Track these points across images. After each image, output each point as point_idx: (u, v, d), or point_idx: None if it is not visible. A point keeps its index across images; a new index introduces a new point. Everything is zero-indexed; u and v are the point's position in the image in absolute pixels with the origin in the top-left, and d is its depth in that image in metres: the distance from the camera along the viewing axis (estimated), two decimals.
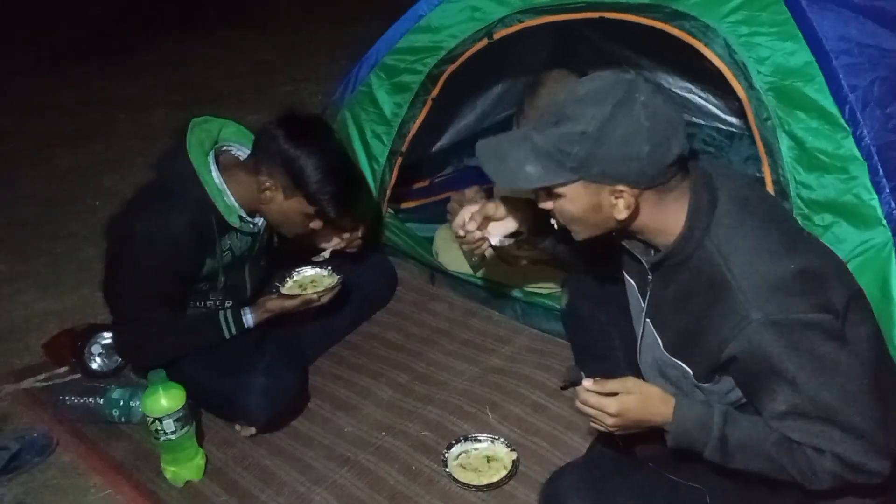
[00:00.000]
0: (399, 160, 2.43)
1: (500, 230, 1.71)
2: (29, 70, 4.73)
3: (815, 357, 1.17)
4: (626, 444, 1.56)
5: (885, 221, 1.50)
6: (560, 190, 1.26)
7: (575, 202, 1.26)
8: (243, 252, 1.91)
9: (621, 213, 1.24)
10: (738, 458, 1.25)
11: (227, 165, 1.81)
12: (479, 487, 1.69)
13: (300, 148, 1.75)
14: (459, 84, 2.42)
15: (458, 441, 1.80)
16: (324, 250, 2.08)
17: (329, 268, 1.98)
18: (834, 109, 1.57)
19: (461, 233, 1.71)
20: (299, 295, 1.88)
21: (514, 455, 1.75)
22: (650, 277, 1.37)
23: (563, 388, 1.29)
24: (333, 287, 1.90)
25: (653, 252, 1.35)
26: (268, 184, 1.77)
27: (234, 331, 1.87)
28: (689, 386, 1.34)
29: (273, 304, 1.88)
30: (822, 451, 1.19)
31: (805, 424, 1.20)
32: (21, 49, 5.03)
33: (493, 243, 1.73)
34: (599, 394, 1.26)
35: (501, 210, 1.70)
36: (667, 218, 1.26)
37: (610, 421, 1.26)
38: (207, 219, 1.77)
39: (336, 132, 1.86)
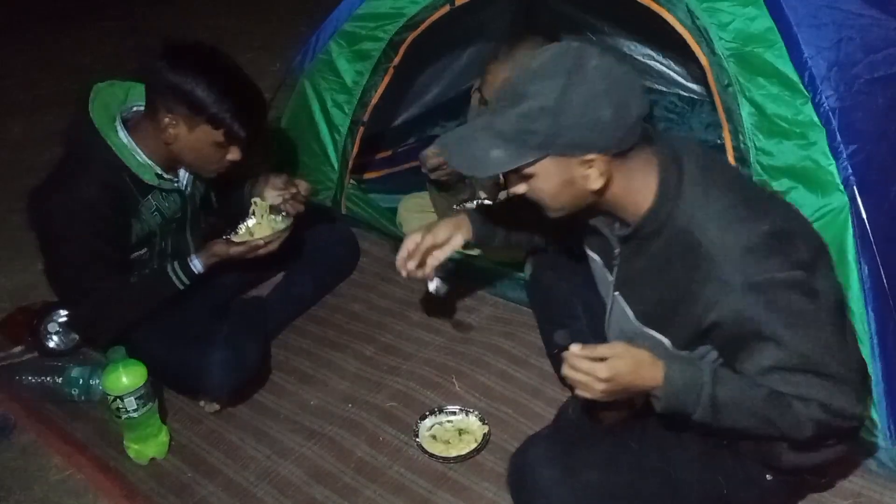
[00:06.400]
0: (361, 130, 2.39)
1: (448, 251, 1.62)
2: None
3: (794, 313, 1.20)
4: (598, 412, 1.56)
5: (841, 187, 1.52)
6: (530, 170, 1.24)
7: (547, 180, 1.24)
8: (175, 213, 1.86)
9: (595, 183, 1.22)
10: (727, 416, 1.25)
11: (135, 123, 1.75)
12: (447, 459, 1.70)
13: (188, 73, 1.66)
14: (422, 53, 2.39)
15: (431, 412, 1.80)
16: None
17: (283, 213, 1.92)
18: (794, 75, 1.57)
19: (403, 273, 1.61)
20: (245, 242, 1.83)
21: (485, 429, 1.76)
22: (617, 251, 1.37)
23: (555, 353, 1.25)
24: (281, 232, 1.85)
25: (618, 225, 1.34)
26: (167, 120, 1.68)
27: (184, 279, 1.82)
28: (661, 356, 1.32)
29: (219, 248, 1.83)
30: (806, 400, 1.22)
31: (790, 376, 1.22)
32: None
33: (430, 290, 1.65)
34: (589, 359, 1.22)
35: (443, 232, 1.61)
36: (637, 188, 1.26)
37: (600, 387, 1.21)
38: (121, 180, 1.72)
39: (223, 53, 1.75)
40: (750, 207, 1.25)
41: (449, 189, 2.23)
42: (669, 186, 1.24)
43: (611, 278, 1.42)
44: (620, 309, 1.41)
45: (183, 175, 1.86)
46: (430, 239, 1.60)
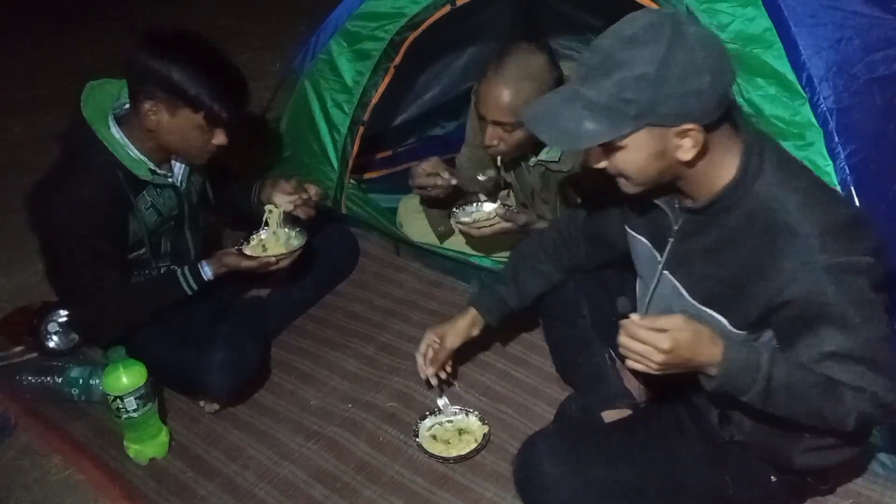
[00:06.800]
0: (361, 129, 2.39)
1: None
2: None
3: (865, 300, 1.19)
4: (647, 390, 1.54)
5: (839, 188, 1.52)
6: (622, 142, 1.18)
7: (638, 152, 1.19)
8: (171, 210, 1.86)
9: (688, 154, 1.18)
10: (778, 401, 1.21)
11: (127, 120, 1.75)
12: (447, 459, 1.70)
13: (164, 57, 1.65)
14: (423, 53, 2.39)
15: (431, 412, 1.80)
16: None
17: (298, 228, 1.91)
18: (792, 76, 1.57)
19: (422, 375, 1.75)
20: (258, 257, 1.82)
21: (486, 429, 1.76)
22: (675, 228, 1.34)
23: (612, 321, 1.21)
24: (293, 251, 1.84)
25: (677, 202, 1.32)
26: (148, 106, 1.67)
27: (193, 285, 1.81)
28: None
29: (230, 259, 1.82)
30: (859, 391, 1.19)
31: (849, 365, 1.19)
32: None
33: (440, 406, 1.82)
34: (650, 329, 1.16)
35: (457, 339, 1.73)
36: (720, 161, 1.22)
37: (659, 358, 1.15)
38: (116, 176, 1.72)
39: (201, 36, 1.74)
40: (826, 192, 1.25)
41: (437, 206, 2.22)
42: (751, 162, 1.22)
43: (660, 258, 1.38)
44: (670, 287, 1.37)
45: (178, 170, 1.86)
46: (447, 349, 1.73)
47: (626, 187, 1.28)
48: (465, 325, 1.73)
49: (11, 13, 4.87)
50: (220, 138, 1.75)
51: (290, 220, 1.92)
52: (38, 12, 4.93)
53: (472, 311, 1.74)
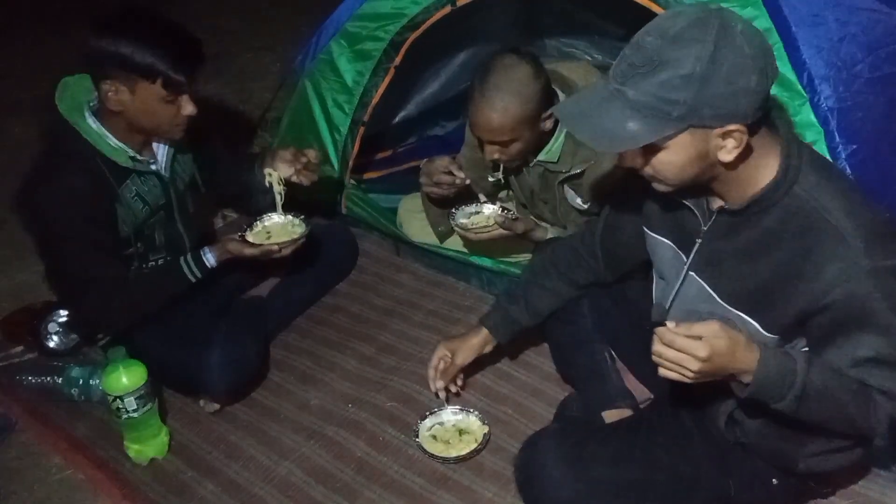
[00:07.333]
0: (361, 130, 2.39)
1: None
2: None
3: None
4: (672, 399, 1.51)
5: None
6: (663, 143, 1.14)
7: (679, 153, 1.15)
8: (159, 200, 1.85)
9: (730, 155, 1.14)
10: (810, 408, 1.19)
11: (101, 110, 1.75)
12: (447, 459, 1.70)
13: (112, 35, 1.64)
14: (423, 53, 2.39)
15: (431, 412, 1.80)
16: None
17: (302, 217, 1.91)
18: (792, 76, 1.58)
19: (432, 388, 1.77)
20: (261, 245, 1.81)
21: (486, 429, 1.76)
22: (704, 229, 1.29)
23: (647, 328, 1.18)
24: (296, 240, 1.83)
25: (706, 203, 1.29)
26: (106, 87, 1.65)
27: (197, 272, 1.81)
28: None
29: (234, 246, 1.81)
30: (892, 396, 1.19)
31: (883, 370, 1.18)
32: None
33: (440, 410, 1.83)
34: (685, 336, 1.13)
35: (469, 355, 1.77)
36: (759, 163, 1.19)
37: (696, 366, 1.12)
38: (97, 166, 1.72)
39: (145, 8, 1.71)
40: (862, 196, 1.22)
41: (441, 205, 2.22)
42: (791, 163, 1.19)
43: (685, 259, 1.35)
44: (697, 289, 1.33)
45: (161, 157, 1.85)
46: (457, 365, 1.76)
47: (659, 186, 1.25)
48: (477, 344, 1.76)
49: (11, 13, 4.87)
50: (188, 108, 1.72)
51: (292, 208, 1.92)
52: (38, 12, 4.92)
53: (485, 331, 1.76)
